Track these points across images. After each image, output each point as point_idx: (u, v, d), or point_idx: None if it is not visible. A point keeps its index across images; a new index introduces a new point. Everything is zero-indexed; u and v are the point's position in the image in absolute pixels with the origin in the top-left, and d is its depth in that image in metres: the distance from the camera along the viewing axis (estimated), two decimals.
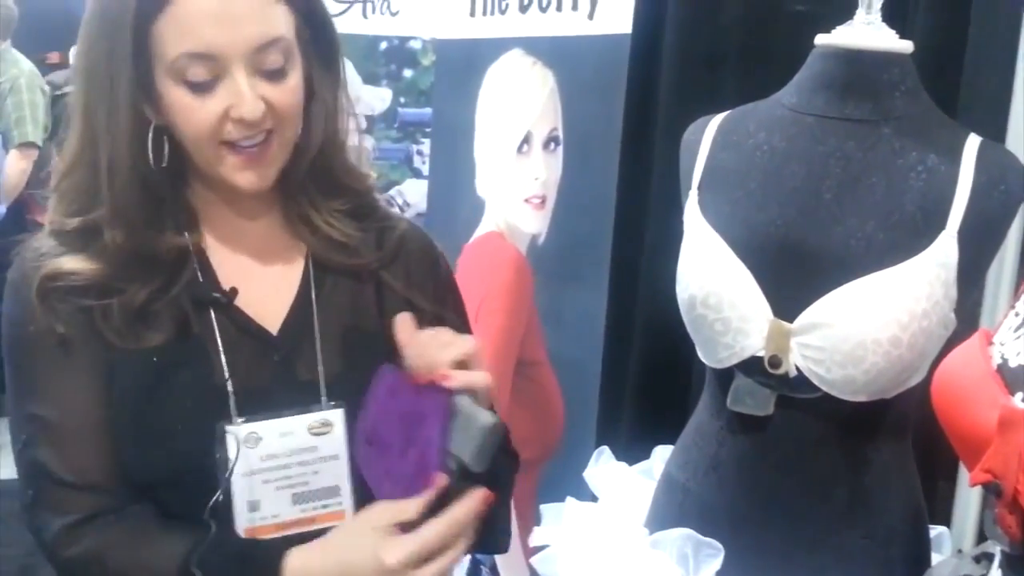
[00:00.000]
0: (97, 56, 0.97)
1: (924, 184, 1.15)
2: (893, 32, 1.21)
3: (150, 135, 0.98)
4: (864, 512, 1.20)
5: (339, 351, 1.06)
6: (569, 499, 1.43)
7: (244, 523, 0.99)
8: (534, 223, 2.05)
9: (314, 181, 1.07)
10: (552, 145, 2.01)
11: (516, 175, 2.08)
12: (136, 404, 1.00)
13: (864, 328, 1.11)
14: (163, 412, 1.00)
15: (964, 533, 1.58)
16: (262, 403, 1.01)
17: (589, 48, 1.93)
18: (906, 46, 1.21)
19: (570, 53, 1.98)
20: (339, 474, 1.02)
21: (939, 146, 1.17)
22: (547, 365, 2.03)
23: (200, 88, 0.96)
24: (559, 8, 2.00)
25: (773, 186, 1.21)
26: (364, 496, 1.02)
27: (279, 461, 1.00)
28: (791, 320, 1.16)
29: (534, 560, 1.40)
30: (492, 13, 2.18)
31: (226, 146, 0.98)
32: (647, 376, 1.90)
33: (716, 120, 1.30)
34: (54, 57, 7.40)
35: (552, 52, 2.03)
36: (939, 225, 1.13)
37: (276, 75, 0.98)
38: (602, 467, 1.49)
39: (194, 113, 0.96)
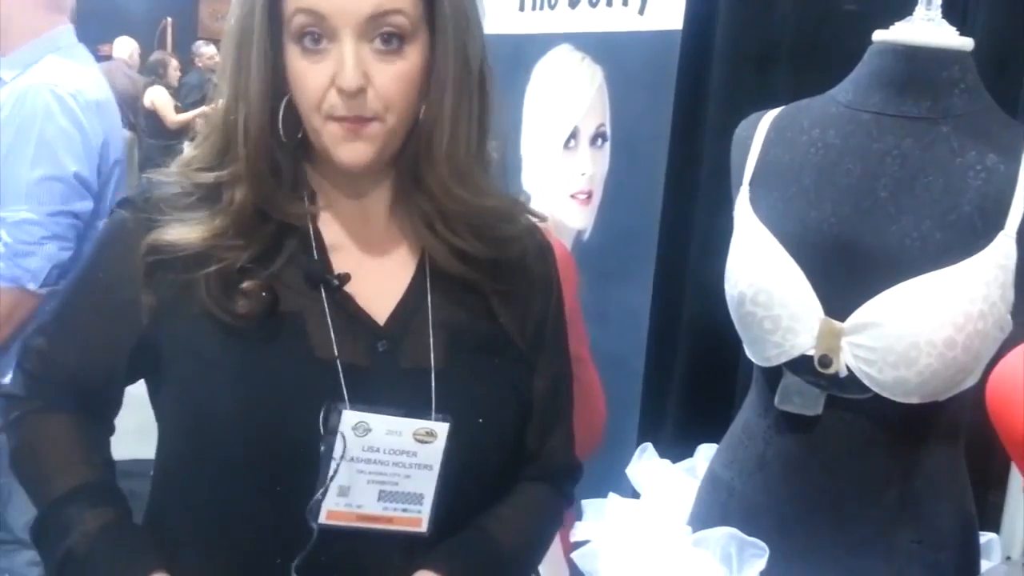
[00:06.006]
0: (238, 19, 0.99)
1: (983, 183, 1.13)
2: (953, 29, 1.19)
3: (282, 107, 1.00)
4: (914, 516, 1.18)
5: (447, 347, 1.05)
6: (611, 495, 1.43)
7: (331, 505, 0.99)
8: (580, 219, 2.05)
9: (438, 185, 1.03)
10: (599, 141, 2.00)
11: (563, 170, 2.07)
12: (232, 376, 0.99)
13: (918, 329, 1.09)
14: (263, 386, 0.99)
15: (1014, 540, 1.56)
16: (365, 389, 1.01)
17: (639, 44, 1.92)
18: (966, 43, 1.19)
19: (619, 49, 1.97)
20: (428, 484, 1.02)
21: (999, 145, 1.15)
22: (589, 362, 2.02)
23: (312, 54, 0.97)
24: (609, 3, 2.00)
25: (827, 183, 1.19)
26: (442, 511, 1.03)
27: (379, 456, 1.00)
28: (842, 319, 1.14)
29: (575, 555, 1.40)
30: (541, 8, 2.18)
31: (330, 118, 0.98)
32: (691, 374, 1.89)
33: (769, 116, 1.29)
34: (106, 49, 7.55)
35: (601, 48, 2.02)
36: (997, 225, 1.11)
37: (388, 54, 0.97)
38: (645, 463, 1.48)
39: (304, 79, 0.97)
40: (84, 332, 1.07)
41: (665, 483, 1.43)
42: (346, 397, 0.99)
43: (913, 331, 1.09)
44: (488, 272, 1.08)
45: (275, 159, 1.01)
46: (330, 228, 1.07)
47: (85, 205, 2.00)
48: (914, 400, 1.13)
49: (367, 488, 1.00)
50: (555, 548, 2.01)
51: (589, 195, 2.02)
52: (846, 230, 1.17)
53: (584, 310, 2.03)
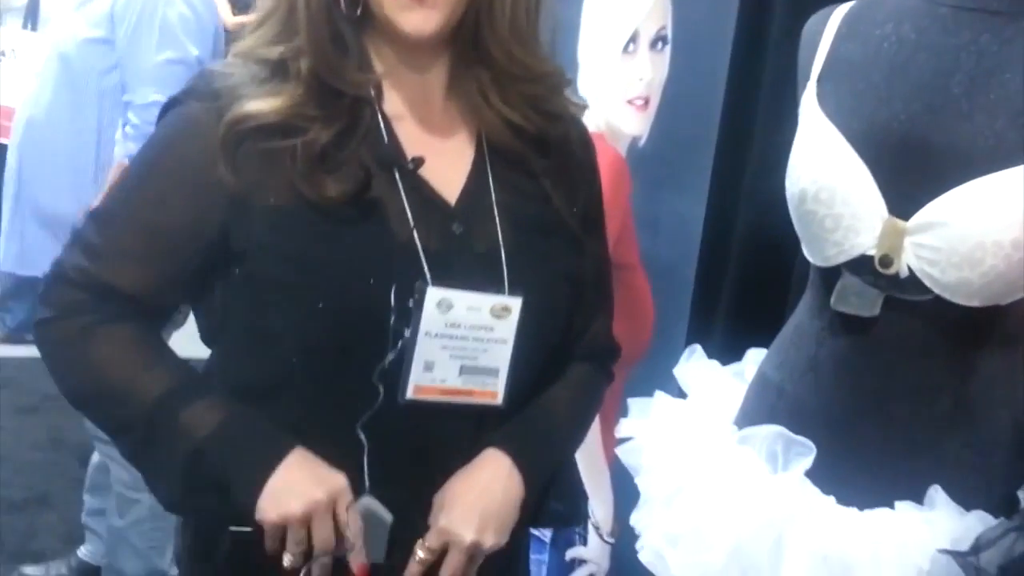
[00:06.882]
0: None
1: None
2: None
3: None
4: (966, 421, 1.17)
5: (511, 228, 1.07)
6: (658, 392, 1.43)
7: (416, 380, 1.03)
8: (636, 125, 2.01)
9: (499, 48, 1.04)
10: (660, 44, 1.96)
11: (620, 75, 2.03)
12: (317, 256, 1.00)
13: (985, 228, 1.06)
14: (346, 265, 1.00)
15: None
16: (444, 269, 1.03)
17: None
18: None
19: None
20: (503, 358, 1.06)
21: None
22: (640, 269, 2.01)
23: None
24: None
25: (899, 79, 1.15)
26: (515, 383, 1.08)
27: (460, 332, 1.03)
28: (906, 219, 1.12)
29: (619, 450, 1.41)
30: None
31: None
32: (742, 285, 1.87)
33: (841, 10, 1.25)
34: None
35: None
36: None
37: None
38: (693, 364, 1.48)
39: None
40: (152, 227, 1.03)
41: (713, 384, 1.42)
42: (428, 276, 1.01)
43: (980, 231, 1.06)
44: (539, 149, 1.10)
45: (337, 30, 1.01)
46: (394, 107, 1.07)
47: None
48: (975, 303, 1.10)
49: (450, 363, 1.04)
50: (595, 447, 2.03)
51: (646, 101, 1.99)
52: (916, 127, 1.13)
53: (636, 217, 2.01)
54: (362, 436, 1.02)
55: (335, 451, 1.03)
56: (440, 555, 1.04)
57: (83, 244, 1.05)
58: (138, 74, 2.14)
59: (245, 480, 1.00)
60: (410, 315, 1.00)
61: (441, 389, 1.04)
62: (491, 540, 1.04)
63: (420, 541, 1.04)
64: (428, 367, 1.03)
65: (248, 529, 1.01)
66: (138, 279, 1.04)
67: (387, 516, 1.05)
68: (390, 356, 1.00)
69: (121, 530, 2.42)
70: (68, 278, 1.05)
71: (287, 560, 0.99)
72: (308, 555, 1.00)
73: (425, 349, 1.02)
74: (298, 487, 0.99)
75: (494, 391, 1.07)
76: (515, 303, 1.04)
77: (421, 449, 1.06)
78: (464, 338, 1.04)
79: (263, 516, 0.99)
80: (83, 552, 2.66)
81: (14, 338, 3.97)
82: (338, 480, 1.01)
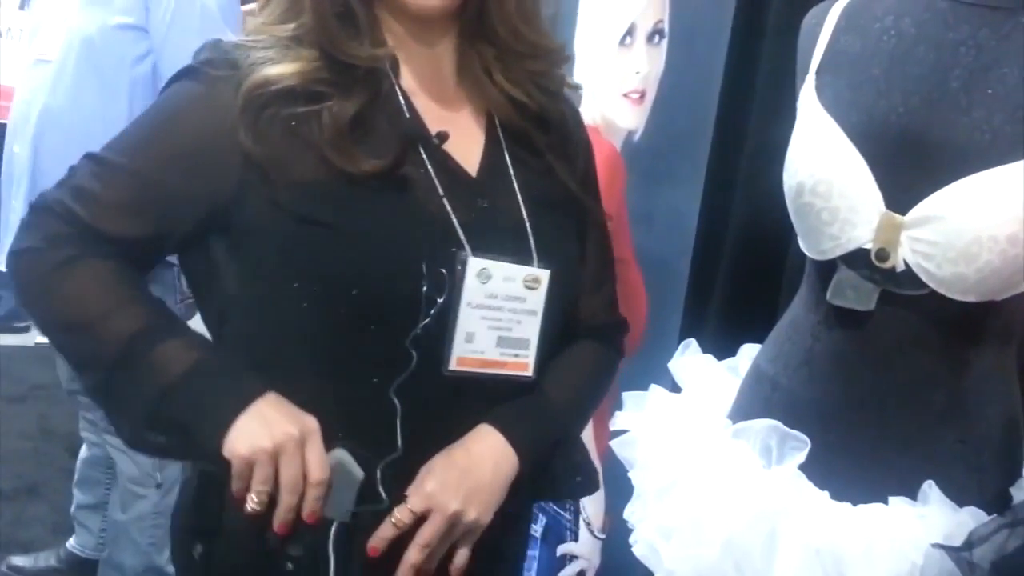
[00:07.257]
0: None
1: None
2: None
3: None
4: (959, 416, 1.17)
5: (532, 201, 1.09)
6: (653, 386, 1.43)
7: (458, 352, 1.03)
8: (631, 118, 2.01)
9: (504, 24, 1.06)
10: (656, 38, 1.95)
11: (617, 68, 2.03)
12: (350, 230, 1.00)
13: (981, 223, 1.06)
14: (380, 238, 1.00)
15: None
16: (479, 242, 1.04)
17: None
18: None
19: None
20: (533, 329, 1.08)
21: None
22: (633, 263, 2.00)
23: None
24: None
25: (898, 73, 1.15)
26: (543, 355, 1.09)
27: (497, 302, 1.05)
28: (904, 213, 1.11)
29: (614, 443, 1.41)
30: None
31: None
32: (736, 280, 1.87)
33: (841, 3, 1.24)
34: None
35: None
36: None
37: None
38: (688, 358, 1.47)
39: None
40: (153, 185, 1.02)
41: (707, 378, 1.42)
42: (467, 246, 1.03)
43: (976, 226, 1.06)
44: (540, 126, 1.12)
45: (346, 4, 1.02)
46: (408, 82, 1.08)
47: None
48: (971, 298, 1.10)
49: (488, 334, 1.05)
50: (587, 444, 2.02)
51: (642, 95, 1.98)
52: (914, 121, 1.13)
53: (631, 211, 2.00)
54: (395, 400, 1.01)
55: (368, 415, 1.02)
56: (416, 523, 1.02)
57: (77, 188, 1.03)
58: (181, 62, 2.09)
59: (215, 418, 0.97)
60: (443, 282, 1.01)
61: (481, 361, 1.05)
62: (473, 514, 1.03)
63: (400, 505, 1.02)
64: (469, 338, 1.04)
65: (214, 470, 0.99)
66: (128, 230, 1.02)
67: (358, 472, 1.01)
68: (424, 322, 1.00)
69: (123, 524, 2.39)
70: (56, 212, 1.03)
71: (250, 503, 0.96)
72: (271, 502, 0.97)
73: (466, 320, 1.03)
74: (270, 423, 0.97)
75: (526, 362, 1.08)
76: (544, 274, 1.07)
77: (452, 420, 1.06)
78: (500, 309, 1.05)
79: (232, 450, 0.96)
80: (72, 544, 2.64)
81: (2, 327, 3.95)
82: (310, 420, 0.99)
